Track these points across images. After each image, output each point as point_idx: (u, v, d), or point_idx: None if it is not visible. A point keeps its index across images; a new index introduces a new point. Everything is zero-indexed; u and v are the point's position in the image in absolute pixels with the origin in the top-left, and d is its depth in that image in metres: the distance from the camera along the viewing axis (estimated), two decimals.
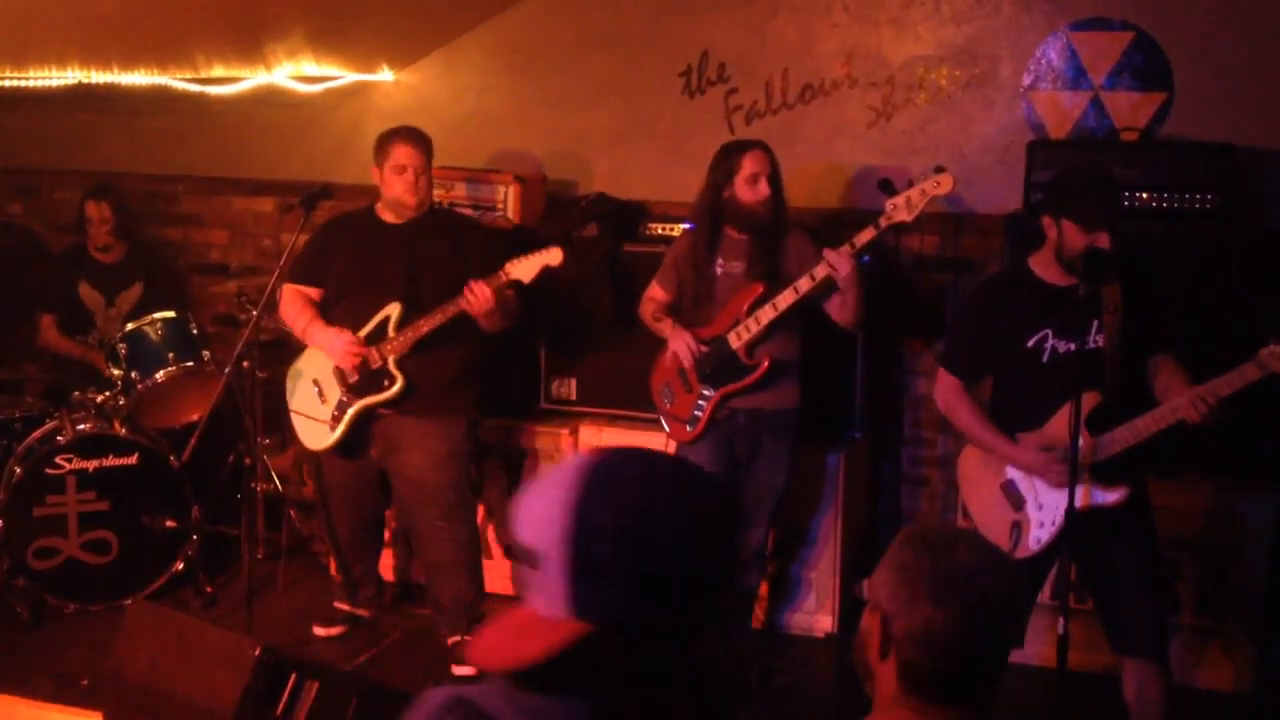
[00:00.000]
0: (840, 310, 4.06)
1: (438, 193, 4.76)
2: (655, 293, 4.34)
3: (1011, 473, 3.45)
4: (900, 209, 3.89)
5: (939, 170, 3.90)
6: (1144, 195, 4.29)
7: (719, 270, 4.14)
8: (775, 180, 4.10)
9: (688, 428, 4.17)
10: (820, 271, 3.94)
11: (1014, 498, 3.44)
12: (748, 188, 4.05)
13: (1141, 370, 3.36)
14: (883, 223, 3.91)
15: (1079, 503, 3.21)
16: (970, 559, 1.67)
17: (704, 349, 4.10)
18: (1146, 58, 4.64)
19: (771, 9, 5.08)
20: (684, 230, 4.41)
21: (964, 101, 4.89)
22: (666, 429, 4.27)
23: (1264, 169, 4.50)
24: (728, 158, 4.10)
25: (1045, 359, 3.33)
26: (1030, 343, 3.34)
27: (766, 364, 4.05)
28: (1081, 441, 3.17)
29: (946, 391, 3.55)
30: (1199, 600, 4.24)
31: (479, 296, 4.06)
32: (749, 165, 4.05)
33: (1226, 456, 4.06)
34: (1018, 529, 3.39)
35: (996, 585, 1.67)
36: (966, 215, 4.89)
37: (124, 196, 5.63)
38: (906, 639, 1.66)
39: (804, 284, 3.98)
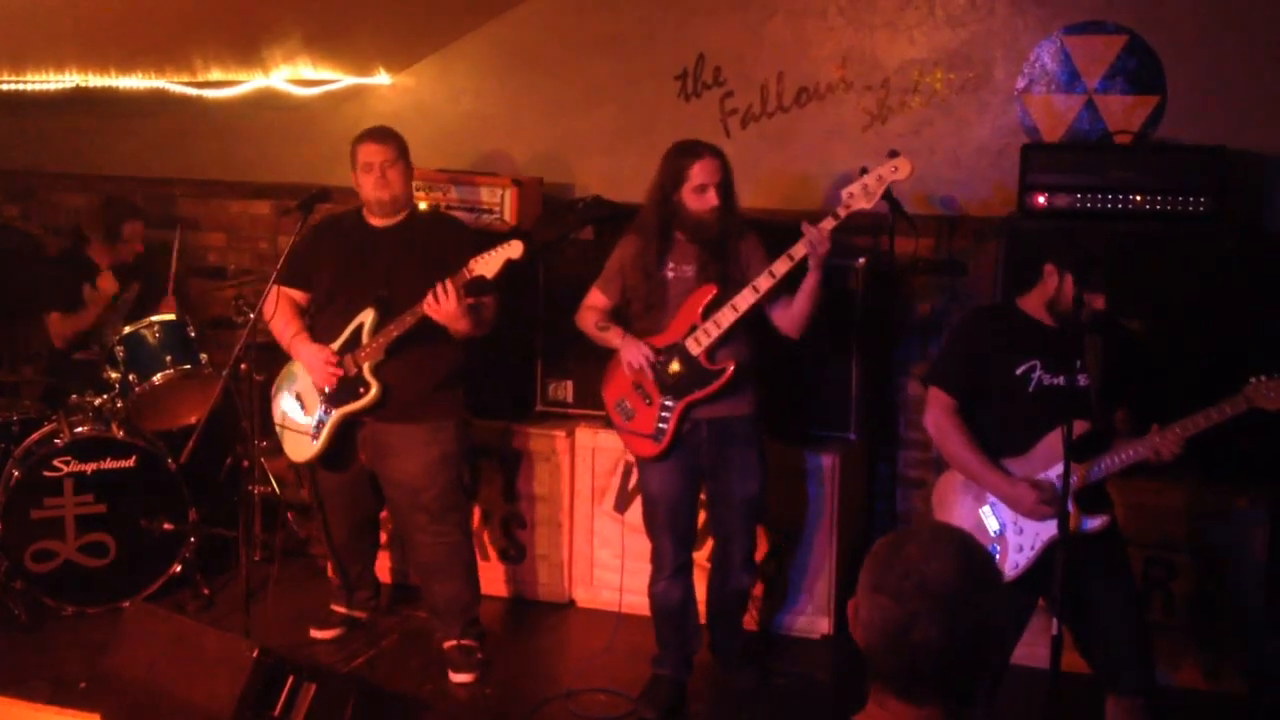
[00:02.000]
0: (790, 309, 3.91)
1: (435, 196, 4.76)
2: (596, 300, 4.13)
3: (992, 495, 3.48)
4: (858, 196, 3.77)
5: (893, 154, 3.81)
6: (1137, 198, 4.32)
7: (670, 274, 3.96)
8: (726, 187, 3.91)
9: (653, 443, 3.97)
10: (799, 250, 3.77)
11: (993, 521, 3.48)
12: (695, 197, 3.88)
13: (1114, 409, 3.50)
14: (841, 211, 3.76)
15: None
16: (920, 551, 1.66)
17: (660, 358, 3.93)
18: (1140, 61, 4.66)
19: (767, 12, 5.10)
20: (629, 234, 4.12)
21: (958, 105, 4.91)
22: (628, 448, 4.13)
23: (1256, 171, 4.53)
24: (677, 162, 3.91)
25: (1031, 388, 3.42)
26: (1019, 370, 3.43)
27: (732, 368, 3.89)
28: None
29: (940, 412, 3.53)
30: (1195, 600, 4.25)
31: (444, 297, 3.95)
32: (697, 175, 3.87)
33: (1223, 457, 4.07)
34: (994, 553, 3.41)
35: (943, 579, 1.63)
36: (961, 218, 4.90)
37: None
38: (864, 625, 1.70)
39: (764, 281, 3.83)
